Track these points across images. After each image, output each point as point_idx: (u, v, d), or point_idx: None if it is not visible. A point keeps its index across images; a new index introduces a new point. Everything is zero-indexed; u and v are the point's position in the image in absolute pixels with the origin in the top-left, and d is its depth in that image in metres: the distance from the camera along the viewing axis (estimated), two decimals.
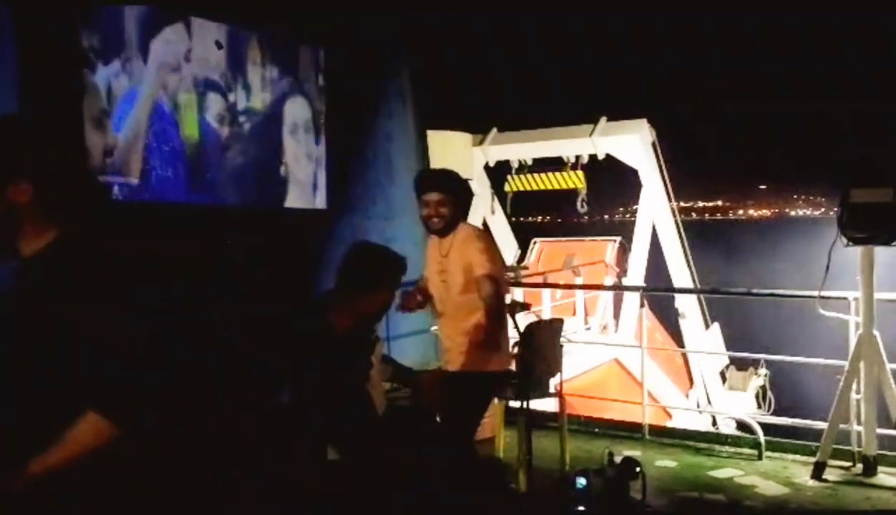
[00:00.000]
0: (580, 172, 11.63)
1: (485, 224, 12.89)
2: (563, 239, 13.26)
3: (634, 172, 11.13)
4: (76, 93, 4.74)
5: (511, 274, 11.31)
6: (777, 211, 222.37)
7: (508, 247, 13.24)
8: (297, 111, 6.36)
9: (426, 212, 3.74)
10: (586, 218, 12.41)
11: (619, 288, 11.24)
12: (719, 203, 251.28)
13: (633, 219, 12.04)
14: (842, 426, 4.95)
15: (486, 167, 12.55)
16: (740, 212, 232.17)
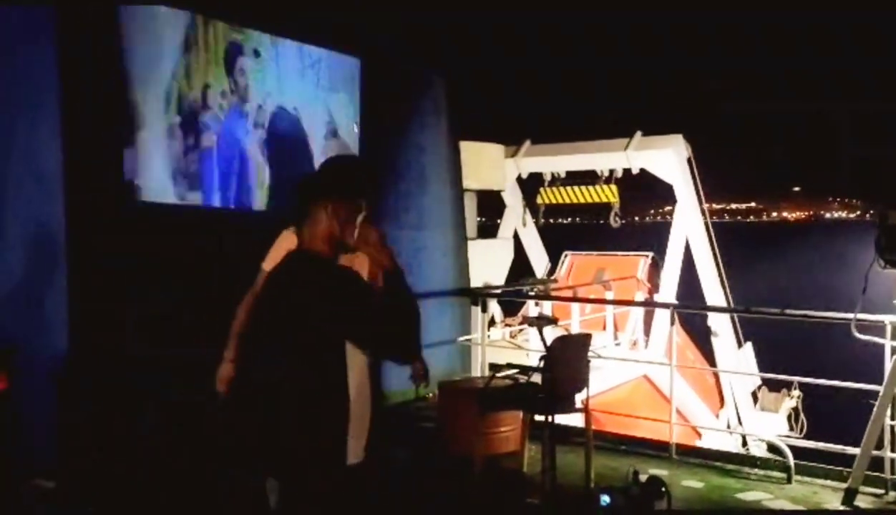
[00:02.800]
0: (614, 186, 11.58)
1: (516, 236, 12.90)
2: (594, 253, 13.17)
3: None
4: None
5: (541, 287, 11.28)
6: (811, 213, 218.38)
7: (539, 260, 13.20)
8: (331, 120, 6.42)
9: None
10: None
11: (650, 305, 11.13)
12: (752, 204, 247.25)
13: (663, 221, 11.97)
14: (875, 452, 4.83)
15: (519, 179, 12.54)
16: (774, 214, 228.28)
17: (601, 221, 12.71)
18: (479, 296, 7.31)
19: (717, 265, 11.17)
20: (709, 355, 11.08)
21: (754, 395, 11.17)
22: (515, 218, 12.84)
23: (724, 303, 11.02)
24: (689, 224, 11.06)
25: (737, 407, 11.00)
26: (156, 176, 5.10)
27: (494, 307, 10.96)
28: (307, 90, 6.17)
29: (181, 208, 5.26)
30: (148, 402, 4.24)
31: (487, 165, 11.36)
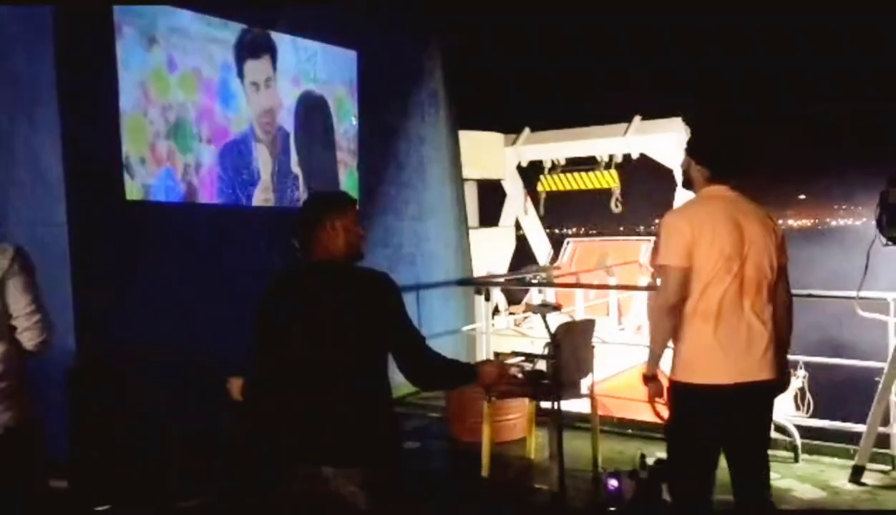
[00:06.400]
0: (614, 171, 11.59)
1: (517, 224, 12.91)
2: (597, 239, 13.20)
3: (668, 176, 11.03)
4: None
5: (543, 275, 11.30)
6: (817, 220, 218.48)
7: (541, 247, 13.22)
8: (330, 114, 6.42)
9: None
10: (622, 228, 12.37)
11: (653, 289, 11.12)
12: None
13: None
14: (881, 429, 4.85)
15: (519, 167, 12.54)
16: (780, 221, 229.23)
17: (605, 223, 12.74)
18: (483, 286, 7.33)
19: None
20: None
21: None
22: (516, 206, 12.84)
23: None
24: None
25: None
26: (158, 175, 5.11)
27: (498, 296, 10.97)
28: (305, 85, 6.17)
29: (184, 207, 5.27)
30: (154, 401, 4.26)
31: (487, 154, 11.37)
